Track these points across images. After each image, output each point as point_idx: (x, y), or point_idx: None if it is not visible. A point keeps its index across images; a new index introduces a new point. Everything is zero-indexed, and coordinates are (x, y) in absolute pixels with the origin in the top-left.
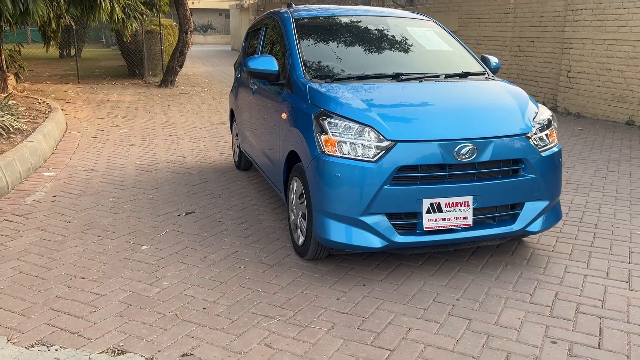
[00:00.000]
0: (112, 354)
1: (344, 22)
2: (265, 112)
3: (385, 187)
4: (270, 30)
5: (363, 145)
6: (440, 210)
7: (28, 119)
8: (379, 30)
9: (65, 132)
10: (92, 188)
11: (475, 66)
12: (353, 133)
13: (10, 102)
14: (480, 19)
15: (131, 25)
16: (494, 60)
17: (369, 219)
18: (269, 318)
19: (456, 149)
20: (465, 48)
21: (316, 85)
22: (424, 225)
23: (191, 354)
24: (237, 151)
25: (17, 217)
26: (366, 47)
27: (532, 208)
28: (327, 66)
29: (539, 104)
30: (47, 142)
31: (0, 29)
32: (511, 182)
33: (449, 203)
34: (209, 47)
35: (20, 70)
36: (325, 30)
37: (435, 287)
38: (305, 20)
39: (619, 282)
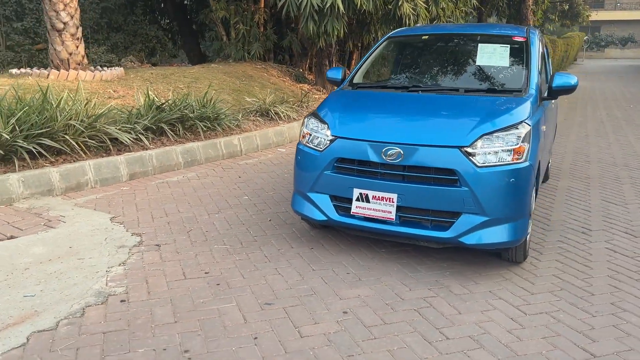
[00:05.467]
0: (148, 246)
1: (425, 39)
2: None
3: (326, 172)
4: None
5: (320, 138)
6: (367, 201)
7: (307, 111)
8: (447, 46)
9: None
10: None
11: (518, 84)
12: (317, 129)
13: (303, 99)
14: None
15: None
16: (563, 80)
17: (314, 196)
18: (236, 254)
19: (383, 150)
20: (531, 66)
21: (336, 90)
22: (352, 210)
23: (157, 246)
24: None
25: (222, 170)
26: (421, 61)
27: (467, 220)
28: (371, 76)
29: (523, 123)
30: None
31: (324, 47)
32: (440, 190)
33: (375, 196)
34: (623, 61)
35: None
36: (403, 46)
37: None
38: (397, 36)
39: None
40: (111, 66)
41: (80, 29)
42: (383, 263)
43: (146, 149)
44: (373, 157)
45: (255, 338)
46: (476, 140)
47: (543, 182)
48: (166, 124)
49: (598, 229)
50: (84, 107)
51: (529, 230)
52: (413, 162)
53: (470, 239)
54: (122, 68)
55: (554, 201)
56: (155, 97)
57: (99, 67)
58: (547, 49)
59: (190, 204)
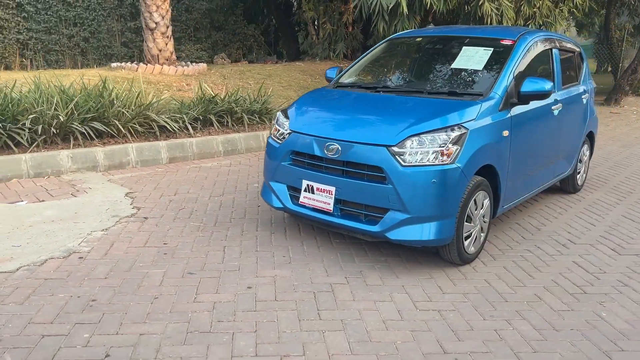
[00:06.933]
0: (137, 218)
1: (418, 42)
2: None
3: (283, 163)
4: None
5: (282, 132)
6: (312, 192)
7: None
8: (436, 49)
9: None
10: None
11: (482, 87)
12: (282, 123)
13: None
14: None
15: None
16: (533, 85)
17: (274, 185)
18: (203, 231)
19: (325, 145)
20: (504, 70)
21: (315, 89)
22: (300, 200)
23: (145, 218)
24: None
25: (257, 160)
26: (405, 63)
27: (392, 217)
28: (358, 75)
29: (458, 126)
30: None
31: None
32: (371, 186)
33: (319, 188)
34: None
35: None
36: (399, 47)
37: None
38: (397, 38)
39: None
40: (199, 62)
41: (170, 28)
42: (326, 251)
43: (191, 137)
44: (317, 151)
45: (156, 298)
46: (404, 140)
47: (571, 193)
48: (215, 116)
49: (584, 242)
50: (136, 97)
51: (475, 233)
52: (349, 158)
53: (394, 235)
54: (204, 64)
55: (564, 212)
56: (210, 90)
57: (189, 62)
58: (579, 55)
59: (203, 186)
